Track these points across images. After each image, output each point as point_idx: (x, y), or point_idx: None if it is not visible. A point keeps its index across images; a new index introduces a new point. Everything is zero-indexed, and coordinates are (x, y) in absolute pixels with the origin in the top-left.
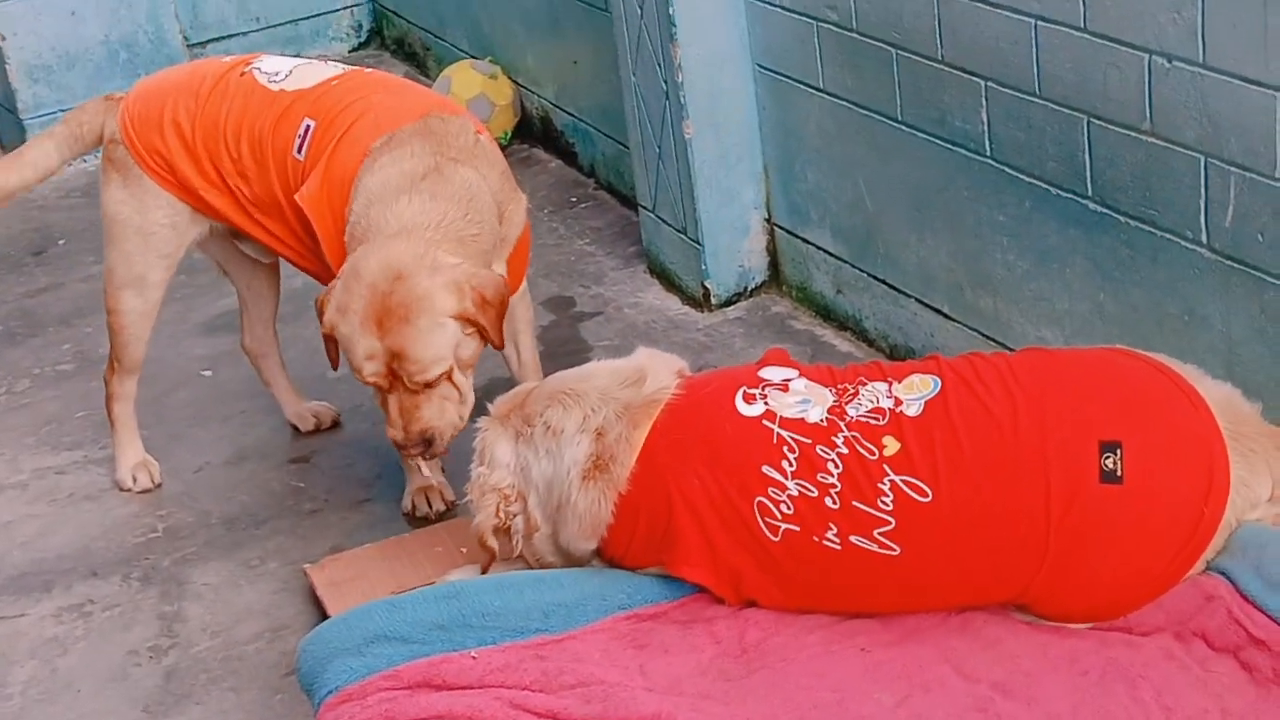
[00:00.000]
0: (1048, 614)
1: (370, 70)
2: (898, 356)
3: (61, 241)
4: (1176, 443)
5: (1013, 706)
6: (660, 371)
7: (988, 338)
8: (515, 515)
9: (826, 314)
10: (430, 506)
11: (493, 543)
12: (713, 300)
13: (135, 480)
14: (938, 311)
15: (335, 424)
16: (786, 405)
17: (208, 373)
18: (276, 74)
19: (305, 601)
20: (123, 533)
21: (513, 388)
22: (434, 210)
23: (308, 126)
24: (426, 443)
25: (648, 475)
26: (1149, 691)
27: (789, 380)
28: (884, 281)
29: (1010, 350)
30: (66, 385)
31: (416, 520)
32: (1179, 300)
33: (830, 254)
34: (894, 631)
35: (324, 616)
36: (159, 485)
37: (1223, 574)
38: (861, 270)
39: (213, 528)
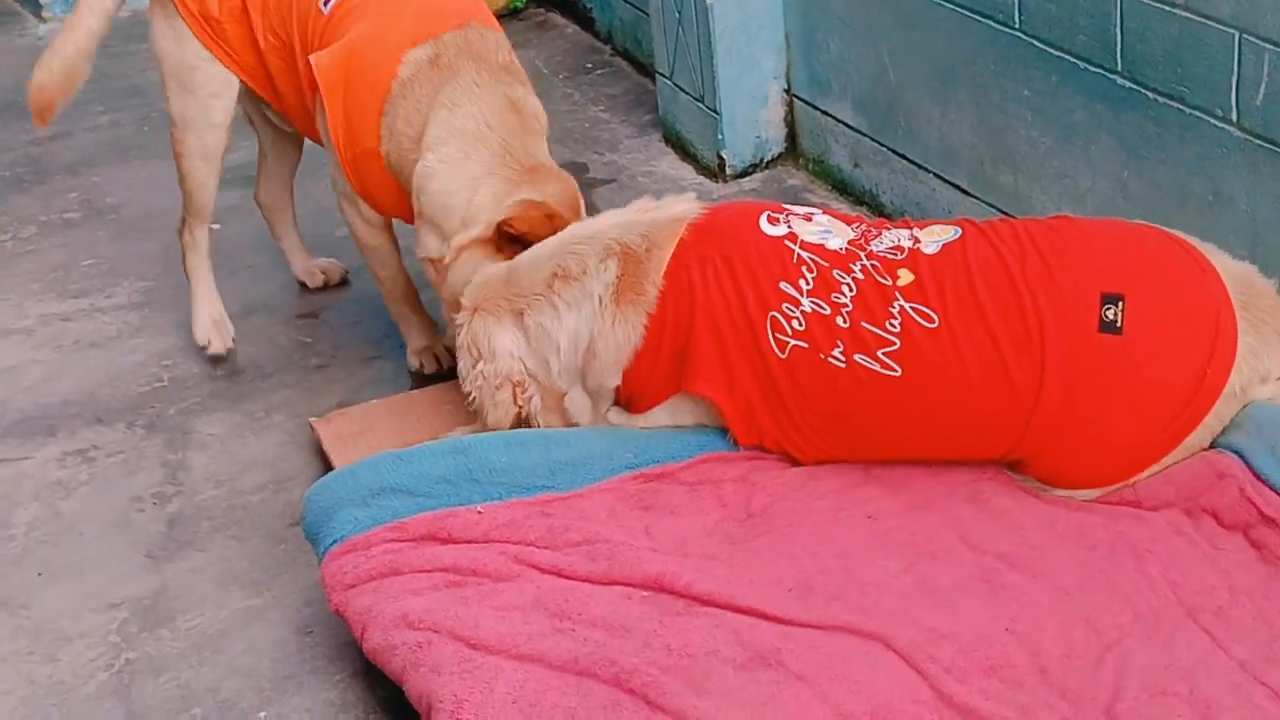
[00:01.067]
0: (1046, 473)
1: None
2: None
3: None
4: (1181, 302)
5: (1019, 578)
6: (679, 200)
7: (1006, 214)
8: (532, 398)
9: (843, 188)
10: (440, 364)
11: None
12: (728, 171)
13: (210, 343)
14: (956, 187)
15: (343, 281)
16: (809, 231)
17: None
18: None
19: (311, 455)
20: (128, 381)
21: None
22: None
23: None
24: None
25: (674, 291)
26: (1156, 566)
27: (812, 214)
28: (903, 156)
29: None
30: (73, 233)
31: (424, 379)
32: (1205, 179)
33: (850, 127)
34: (902, 500)
35: (329, 470)
36: (231, 350)
37: (1236, 452)
38: (881, 144)
39: (218, 380)
